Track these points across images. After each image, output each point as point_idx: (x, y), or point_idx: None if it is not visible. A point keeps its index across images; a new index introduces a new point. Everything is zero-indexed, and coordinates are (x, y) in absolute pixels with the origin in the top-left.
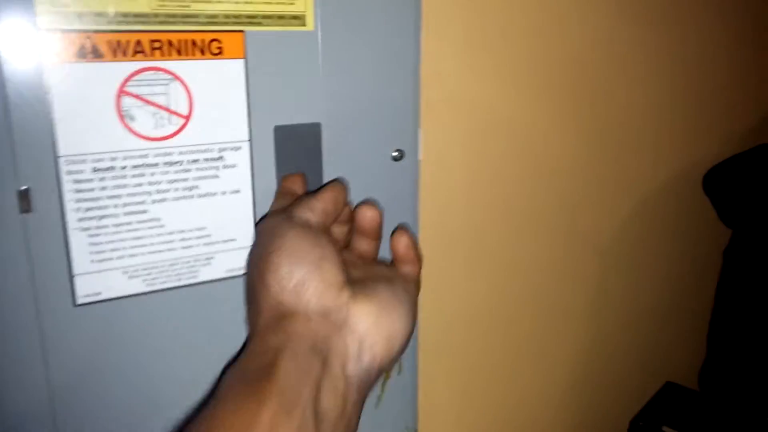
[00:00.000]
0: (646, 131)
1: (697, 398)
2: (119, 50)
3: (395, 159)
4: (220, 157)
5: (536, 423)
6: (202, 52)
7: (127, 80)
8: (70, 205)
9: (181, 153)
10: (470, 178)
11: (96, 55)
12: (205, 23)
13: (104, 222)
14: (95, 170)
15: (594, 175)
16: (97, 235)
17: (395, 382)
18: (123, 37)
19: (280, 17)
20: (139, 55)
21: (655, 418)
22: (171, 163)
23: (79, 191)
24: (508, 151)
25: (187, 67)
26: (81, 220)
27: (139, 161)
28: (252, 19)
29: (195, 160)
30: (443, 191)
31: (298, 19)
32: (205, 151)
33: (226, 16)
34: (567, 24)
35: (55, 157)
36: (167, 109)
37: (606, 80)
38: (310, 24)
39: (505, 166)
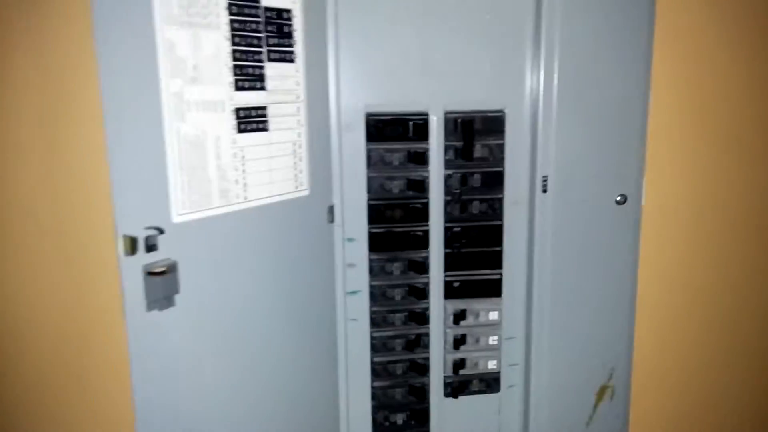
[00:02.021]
0: None
1: None
2: None
3: (618, 203)
4: None
5: None
6: None
7: None
8: None
9: None
10: (692, 226)
11: None
12: None
13: None
14: None
15: None
16: None
17: (609, 408)
18: None
19: None
20: None
21: None
22: None
23: None
24: (730, 204)
25: None
26: None
27: None
28: None
29: None
30: (664, 236)
31: None
32: None
33: None
34: None
35: None
36: None
37: None
38: None
39: (726, 219)
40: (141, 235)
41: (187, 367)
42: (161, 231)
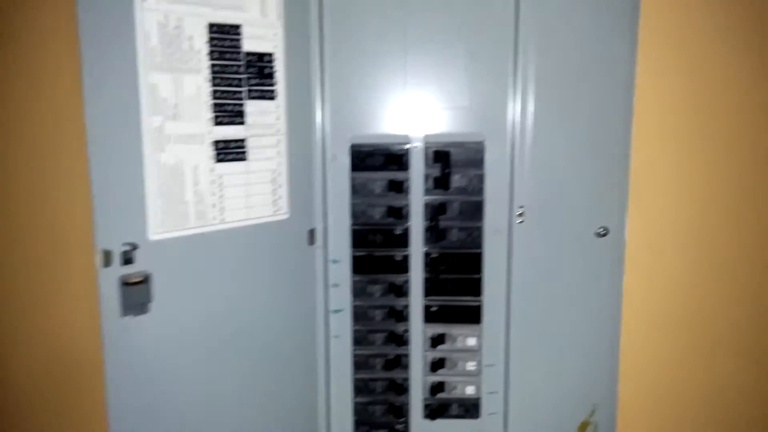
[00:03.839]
0: None
1: None
2: None
3: (600, 235)
4: None
5: None
6: None
7: None
8: None
9: None
10: (678, 260)
11: None
12: None
13: None
14: None
15: None
16: None
17: None
18: None
19: None
20: None
21: None
22: None
23: None
24: (716, 238)
25: None
26: None
27: None
28: None
29: None
30: (650, 270)
31: None
32: None
33: None
34: None
35: None
36: None
37: None
38: None
39: (712, 249)
40: (117, 250)
41: (161, 372)
42: (135, 247)
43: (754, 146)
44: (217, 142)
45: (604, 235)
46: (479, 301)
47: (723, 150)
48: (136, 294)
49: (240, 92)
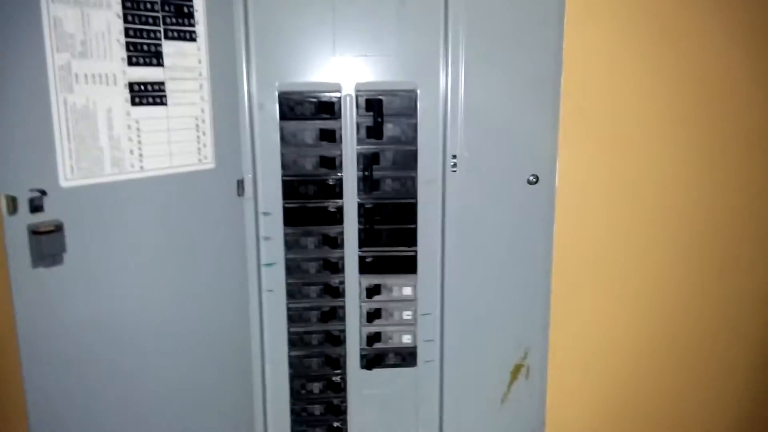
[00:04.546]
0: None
1: None
2: None
3: (530, 182)
4: None
5: None
6: None
7: None
8: None
9: None
10: (606, 205)
11: None
12: None
13: None
14: None
15: (725, 201)
16: None
17: (524, 387)
18: None
19: None
20: None
21: None
22: None
23: None
24: (643, 181)
25: None
26: None
27: None
28: None
29: None
30: (579, 215)
31: None
32: None
33: None
34: (704, 60)
35: None
36: None
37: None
38: None
39: (640, 195)
40: (24, 196)
41: (77, 325)
42: (44, 193)
43: (681, 87)
44: (132, 84)
45: (535, 182)
46: (414, 250)
47: (647, 93)
48: (47, 244)
49: (156, 31)
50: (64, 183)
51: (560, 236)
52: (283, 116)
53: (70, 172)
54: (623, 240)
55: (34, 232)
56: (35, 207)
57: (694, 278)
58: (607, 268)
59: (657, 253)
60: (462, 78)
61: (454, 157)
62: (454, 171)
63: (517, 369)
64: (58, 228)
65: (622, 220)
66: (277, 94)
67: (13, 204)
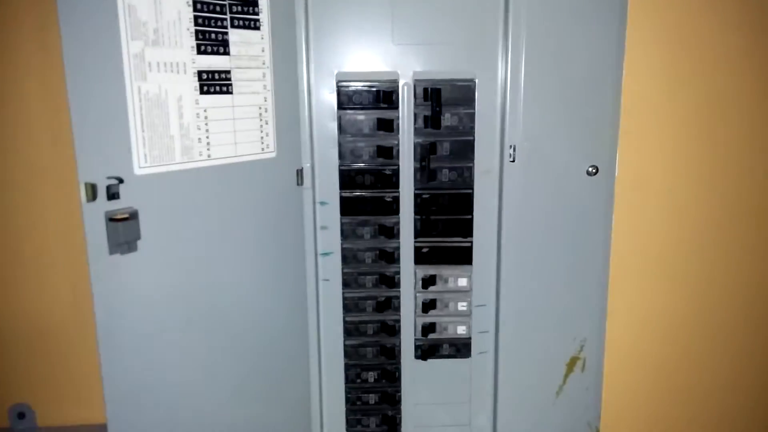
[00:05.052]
0: None
1: None
2: None
3: (590, 174)
4: None
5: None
6: None
7: None
8: None
9: None
10: (666, 197)
11: None
12: None
13: None
14: None
15: None
16: None
17: (579, 380)
18: None
19: None
20: None
21: None
22: None
23: None
24: (704, 173)
25: None
26: None
27: None
28: None
29: None
30: (639, 208)
31: None
32: None
33: None
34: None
35: None
36: None
37: None
38: None
39: (701, 187)
40: (102, 183)
41: (151, 310)
42: (121, 180)
43: (746, 78)
44: (200, 73)
45: (595, 173)
46: (470, 241)
47: (713, 85)
48: (123, 231)
49: (223, 19)
50: (138, 171)
51: (618, 228)
52: (341, 105)
53: (144, 160)
54: (683, 233)
55: (111, 219)
56: (112, 194)
57: (759, 273)
58: (665, 261)
59: (718, 248)
60: (522, 67)
61: (512, 147)
62: (512, 161)
63: (573, 362)
64: (133, 215)
65: (682, 213)
66: (335, 83)
67: (92, 192)
